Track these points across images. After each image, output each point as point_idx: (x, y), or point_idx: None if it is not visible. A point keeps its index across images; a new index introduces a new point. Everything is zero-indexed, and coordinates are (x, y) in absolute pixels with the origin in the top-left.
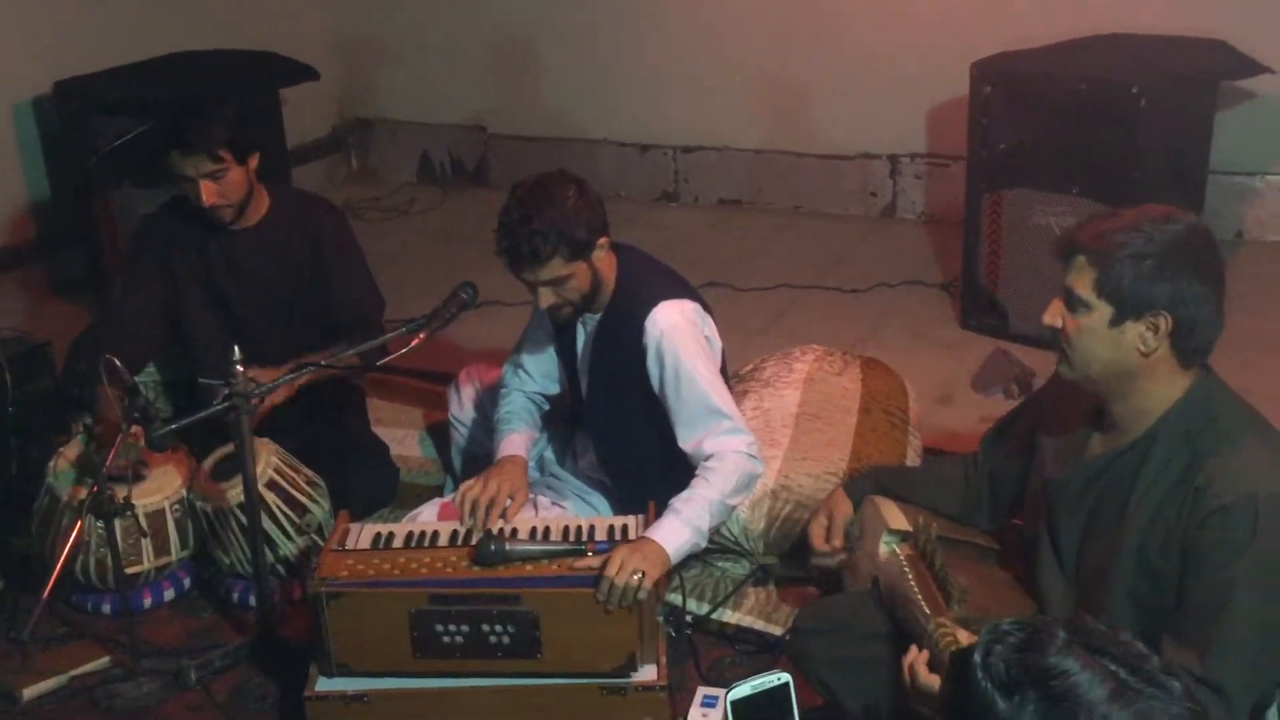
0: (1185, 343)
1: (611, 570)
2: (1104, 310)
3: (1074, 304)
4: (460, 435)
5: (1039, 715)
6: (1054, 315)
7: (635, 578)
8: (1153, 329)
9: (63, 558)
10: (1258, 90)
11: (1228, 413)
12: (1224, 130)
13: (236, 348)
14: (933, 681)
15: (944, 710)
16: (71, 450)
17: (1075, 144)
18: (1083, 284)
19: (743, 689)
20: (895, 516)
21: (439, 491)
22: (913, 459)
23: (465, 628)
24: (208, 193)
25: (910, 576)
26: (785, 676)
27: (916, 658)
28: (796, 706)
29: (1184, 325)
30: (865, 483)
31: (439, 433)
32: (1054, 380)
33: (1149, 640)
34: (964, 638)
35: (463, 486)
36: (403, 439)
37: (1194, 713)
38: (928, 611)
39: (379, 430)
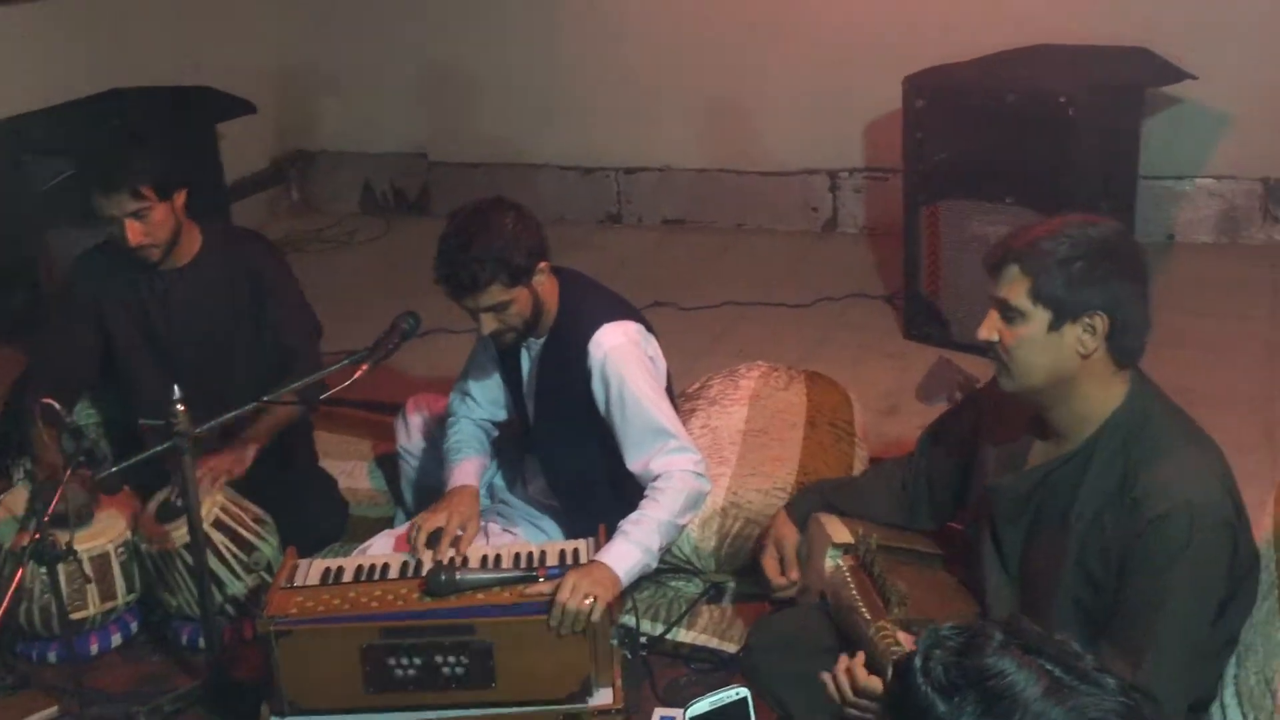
0: (1121, 341)
1: (563, 595)
2: (1042, 316)
3: (1010, 314)
4: (410, 466)
5: (977, 715)
6: (990, 329)
7: (587, 602)
8: (1090, 330)
9: (4, 606)
10: (1183, 96)
11: (1161, 421)
12: (1152, 136)
13: (176, 387)
14: (874, 683)
15: (887, 716)
16: (12, 496)
17: (1008, 154)
18: (1017, 293)
19: (701, 705)
20: (838, 530)
21: (389, 523)
22: (859, 470)
23: (418, 660)
24: (133, 232)
25: (852, 585)
26: (744, 691)
27: (853, 663)
28: None
29: (1119, 324)
30: (807, 501)
31: (388, 464)
32: (994, 386)
33: (1092, 644)
34: (904, 639)
35: (414, 519)
36: (351, 471)
37: (1128, 707)
38: (868, 617)
39: (327, 464)
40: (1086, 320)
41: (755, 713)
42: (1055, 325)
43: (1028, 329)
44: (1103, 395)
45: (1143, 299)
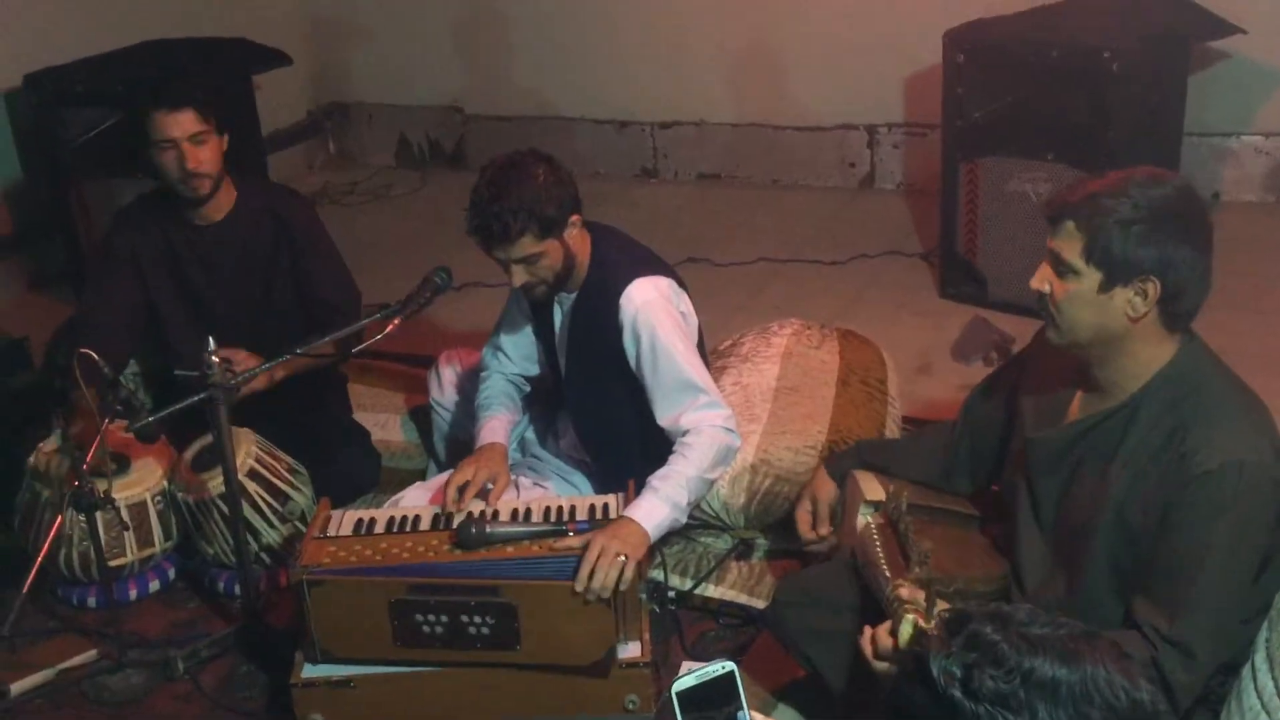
0: (1173, 307)
1: (592, 557)
2: (1093, 276)
3: (1062, 269)
4: (442, 419)
5: (1049, 703)
6: (1042, 280)
7: (619, 559)
8: (1141, 294)
9: (43, 552)
10: (1230, 50)
11: (1213, 380)
12: (1198, 91)
13: (211, 339)
14: (888, 642)
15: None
16: (51, 445)
17: (1049, 110)
18: (1071, 250)
19: (687, 680)
20: (872, 488)
21: (422, 476)
22: (891, 429)
23: (444, 618)
24: (193, 156)
25: (878, 542)
26: (730, 665)
27: (876, 631)
28: (744, 694)
29: (1172, 290)
30: (847, 459)
31: (421, 416)
32: (1038, 341)
33: (1123, 598)
34: (907, 593)
35: (446, 476)
36: (385, 423)
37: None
38: (888, 575)
39: (360, 416)
40: (1138, 284)
41: (777, 667)
42: (1105, 287)
43: (1078, 286)
44: (1150, 355)
45: (1202, 264)
